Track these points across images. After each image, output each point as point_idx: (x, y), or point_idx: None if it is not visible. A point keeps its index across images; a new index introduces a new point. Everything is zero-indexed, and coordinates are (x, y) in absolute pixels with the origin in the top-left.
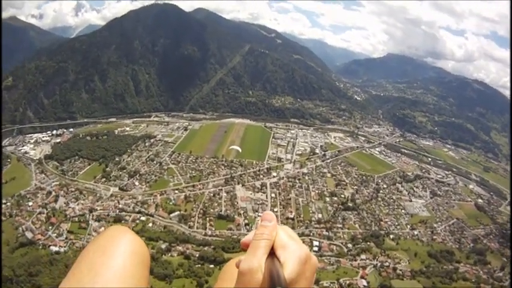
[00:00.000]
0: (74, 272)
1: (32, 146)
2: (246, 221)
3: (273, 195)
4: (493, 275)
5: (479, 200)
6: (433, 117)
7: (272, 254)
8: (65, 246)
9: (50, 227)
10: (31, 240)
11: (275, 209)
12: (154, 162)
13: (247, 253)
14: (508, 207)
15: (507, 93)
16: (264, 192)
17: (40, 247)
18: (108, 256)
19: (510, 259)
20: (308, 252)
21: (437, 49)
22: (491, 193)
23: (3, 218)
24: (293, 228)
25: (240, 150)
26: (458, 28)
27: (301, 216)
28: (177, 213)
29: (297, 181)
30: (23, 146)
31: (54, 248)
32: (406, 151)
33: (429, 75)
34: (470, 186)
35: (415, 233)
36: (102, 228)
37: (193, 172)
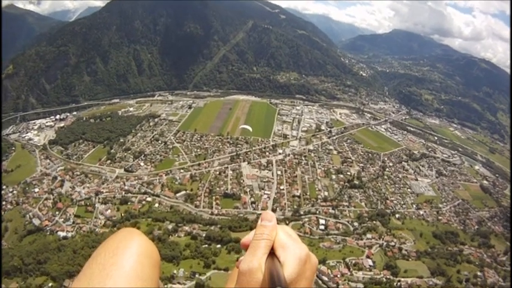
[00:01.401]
0: (86, 272)
1: (35, 132)
2: (252, 199)
3: (279, 172)
4: (497, 259)
5: (485, 182)
6: (439, 96)
7: (272, 254)
8: (72, 231)
9: (57, 213)
10: (38, 227)
11: (281, 187)
12: (159, 141)
13: (247, 253)
14: None
15: None
16: (270, 170)
17: (48, 233)
18: (119, 257)
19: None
20: (308, 252)
21: (444, 26)
22: (497, 175)
23: (10, 207)
24: (299, 205)
25: (251, 130)
26: (466, 6)
27: (308, 194)
28: (183, 192)
29: (303, 158)
30: (26, 133)
31: (61, 234)
32: (412, 129)
33: (436, 52)
34: (476, 167)
35: (421, 212)
36: (109, 211)
37: (198, 150)
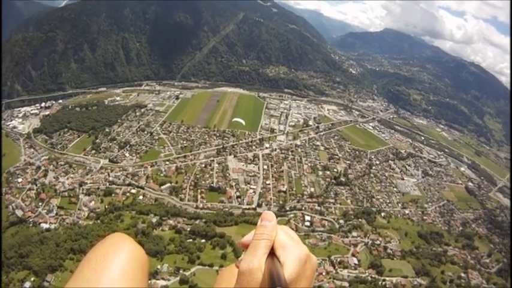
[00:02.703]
0: (78, 276)
1: (20, 120)
2: (238, 194)
3: (265, 167)
4: (480, 261)
5: (470, 184)
6: (427, 96)
7: (272, 254)
8: (55, 223)
9: (40, 204)
10: (21, 218)
11: (267, 182)
12: (145, 132)
13: (247, 253)
14: (498, 194)
15: (503, 79)
16: (256, 164)
17: (31, 225)
18: (110, 262)
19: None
20: (308, 252)
21: (435, 28)
22: (482, 177)
23: None
24: (285, 201)
25: (244, 123)
26: (459, 9)
27: (294, 189)
28: (167, 185)
29: (290, 153)
30: (11, 121)
31: (44, 225)
32: (399, 128)
33: (426, 53)
34: (462, 169)
35: (406, 212)
36: (92, 202)
37: (184, 142)
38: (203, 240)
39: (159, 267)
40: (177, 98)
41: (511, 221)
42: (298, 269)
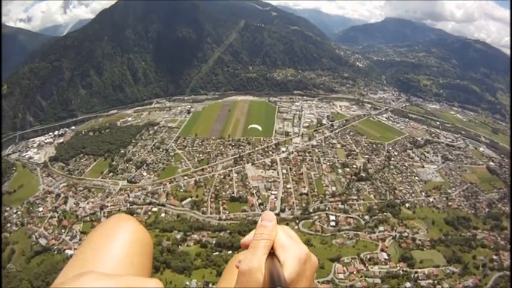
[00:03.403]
0: (78, 257)
1: (35, 150)
2: (260, 201)
3: (284, 171)
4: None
5: (491, 163)
6: (437, 80)
7: (272, 254)
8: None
9: (63, 230)
10: (45, 246)
11: (288, 186)
12: (160, 149)
13: (247, 253)
14: None
15: (510, 52)
16: (274, 169)
17: (55, 252)
18: (111, 244)
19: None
20: (308, 251)
21: (435, 10)
22: (502, 155)
23: (15, 228)
24: (308, 203)
25: (260, 129)
26: None
27: (315, 190)
28: (188, 200)
29: (307, 154)
30: (26, 152)
31: (69, 252)
32: (413, 116)
33: (430, 37)
34: (481, 149)
35: (431, 200)
36: None
37: (200, 155)
38: (230, 252)
39: (187, 283)
40: (188, 112)
41: (511, 220)
42: (298, 269)
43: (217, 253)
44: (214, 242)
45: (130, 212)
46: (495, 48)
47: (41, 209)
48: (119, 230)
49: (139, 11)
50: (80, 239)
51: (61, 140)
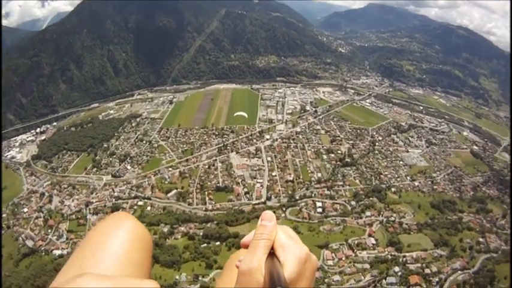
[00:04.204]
0: (77, 256)
1: (17, 149)
2: (246, 190)
3: (269, 158)
4: (496, 223)
5: (475, 147)
6: (420, 65)
7: (272, 254)
8: (67, 248)
9: (49, 230)
10: (33, 248)
11: (273, 173)
12: (144, 141)
13: (247, 253)
14: (504, 154)
15: (492, 39)
16: (259, 157)
17: (43, 254)
18: (110, 242)
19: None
20: (308, 251)
21: None
22: (485, 139)
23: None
24: (294, 190)
25: (246, 116)
26: None
27: (301, 177)
28: (174, 191)
29: (292, 141)
30: (8, 151)
31: (57, 252)
32: (397, 101)
33: (412, 23)
34: (464, 133)
35: (416, 184)
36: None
37: (184, 146)
38: (218, 243)
39: (177, 277)
40: (170, 102)
41: (511, 221)
42: (298, 269)
43: (205, 245)
44: (201, 233)
45: (116, 207)
46: (478, 34)
47: (26, 209)
48: (118, 228)
49: (118, 1)
50: (67, 238)
51: (43, 137)
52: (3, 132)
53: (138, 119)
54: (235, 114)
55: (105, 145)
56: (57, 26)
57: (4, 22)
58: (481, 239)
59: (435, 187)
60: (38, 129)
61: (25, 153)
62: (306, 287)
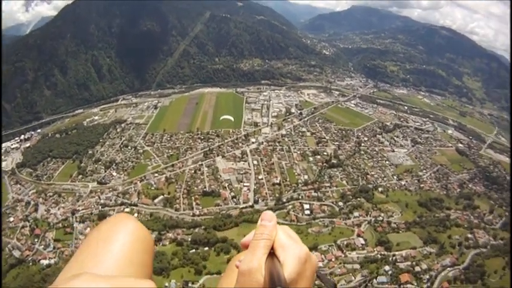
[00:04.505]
0: (77, 258)
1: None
2: (233, 194)
3: (255, 162)
4: (484, 219)
5: (460, 145)
6: (404, 66)
7: (272, 254)
8: (54, 257)
9: (36, 240)
10: (20, 258)
11: (259, 177)
12: (129, 147)
13: (246, 253)
14: (489, 150)
15: (475, 38)
16: (245, 161)
17: (30, 264)
18: (111, 243)
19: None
20: (308, 251)
21: None
22: (470, 137)
23: None
24: (281, 193)
25: (233, 119)
26: None
27: (288, 180)
28: (160, 197)
29: (277, 144)
30: None
31: (44, 262)
32: (381, 101)
33: (396, 24)
34: (449, 132)
35: (403, 183)
36: (88, 229)
37: (170, 151)
38: (206, 248)
39: (166, 284)
40: (155, 107)
41: (511, 222)
42: (298, 269)
43: (193, 251)
44: (189, 239)
45: (103, 215)
46: (461, 34)
47: (11, 218)
48: (119, 229)
49: (102, 5)
50: (54, 248)
51: (27, 145)
52: None
53: (123, 125)
54: (221, 118)
55: (90, 152)
56: (40, 30)
57: None
58: (469, 235)
59: (422, 185)
60: (23, 136)
61: (10, 161)
62: (306, 287)
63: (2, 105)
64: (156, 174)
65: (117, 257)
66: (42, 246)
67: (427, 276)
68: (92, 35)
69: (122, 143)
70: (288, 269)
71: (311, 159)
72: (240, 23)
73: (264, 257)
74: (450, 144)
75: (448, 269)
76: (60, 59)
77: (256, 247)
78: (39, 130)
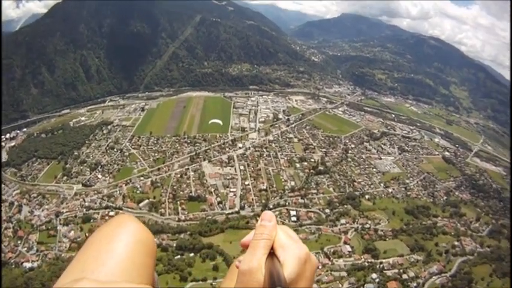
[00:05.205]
0: (80, 259)
1: None
2: (219, 199)
3: (242, 167)
4: (470, 226)
5: (446, 153)
6: (392, 74)
7: (272, 254)
8: (37, 260)
9: (19, 242)
10: (2, 261)
11: (246, 182)
12: (115, 150)
13: (246, 253)
14: (475, 158)
15: (463, 48)
16: (232, 166)
17: (13, 266)
18: (113, 245)
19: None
20: (308, 252)
21: (391, 7)
22: (457, 145)
23: None
24: (267, 199)
25: (221, 123)
26: None
27: (274, 186)
28: (146, 201)
29: (264, 150)
30: None
31: (27, 265)
32: (369, 109)
33: (385, 33)
34: (436, 140)
35: (390, 190)
36: (72, 232)
37: (156, 154)
38: (192, 254)
39: None
40: (142, 109)
41: (511, 222)
42: (298, 269)
43: (178, 257)
44: (174, 245)
45: (87, 218)
46: (449, 44)
47: None
48: (120, 230)
49: (92, 5)
50: (37, 250)
51: (13, 144)
52: None
53: (109, 126)
54: (210, 122)
55: (75, 153)
56: (30, 28)
57: None
58: (456, 243)
59: (409, 193)
60: (8, 135)
61: None
62: (306, 287)
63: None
64: (142, 178)
65: (120, 258)
66: (26, 249)
67: (415, 284)
68: (81, 34)
69: (108, 145)
70: (288, 269)
71: (298, 165)
72: (230, 28)
73: (264, 256)
74: (437, 152)
75: (435, 276)
76: (49, 57)
77: (256, 247)
78: (24, 129)
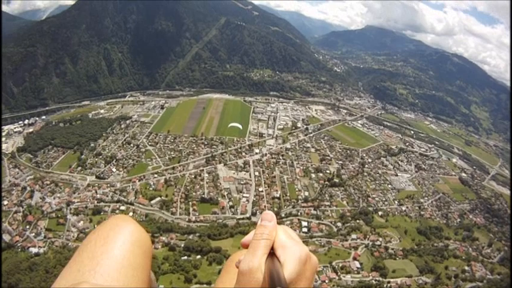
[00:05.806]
0: (76, 260)
1: (3, 138)
2: (231, 203)
3: (257, 173)
4: (482, 252)
5: (463, 174)
6: (413, 90)
7: (272, 254)
8: (44, 247)
9: (28, 227)
10: (9, 243)
11: (260, 189)
12: (131, 145)
13: (247, 253)
14: (492, 182)
15: (486, 68)
16: (247, 171)
17: (19, 250)
18: (110, 245)
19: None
20: (308, 252)
21: (416, 22)
22: (474, 167)
23: None
24: (280, 208)
25: (241, 127)
26: (438, 2)
27: (287, 194)
28: (158, 199)
29: (281, 157)
30: None
31: (33, 250)
32: (388, 124)
33: (408, 47)
34: (454, 160)
35: (403, 208)
36: (81, 222)
37: (172, 153)
38: (198, 257)
39: None
40: (162, 107)
41: (511, 224)
42: (298, 269)
43: (185, 257)
44: (182, 245)
45: (97, 210)
46: (472, 62)
47: (6, 202)
48: (117, 231)
49: (119, 0)
50: (45, 237)
51: (31, 130)
52: None
53: (127, 121)
54: (229, 125)
55: (92, 144)
56: (56, 18)
57: (5, 8)
58: (466, 267)
59: (422, 213)
60: (26, 121)
61: (11, 144)
62: (306, 287)
63: (1, 98)
64: (156, 175)
65: (116, 259)
66: (33, 234)
67: None
68: (106, 28)
69: (124, 140)
70: (288, 269)
71: (313, 176)
72: (254, 32)
73: (264, 256)
74: (454, 173)
75: None
76: (73, 48)
77: (257, 247)
78: (43, 117)
